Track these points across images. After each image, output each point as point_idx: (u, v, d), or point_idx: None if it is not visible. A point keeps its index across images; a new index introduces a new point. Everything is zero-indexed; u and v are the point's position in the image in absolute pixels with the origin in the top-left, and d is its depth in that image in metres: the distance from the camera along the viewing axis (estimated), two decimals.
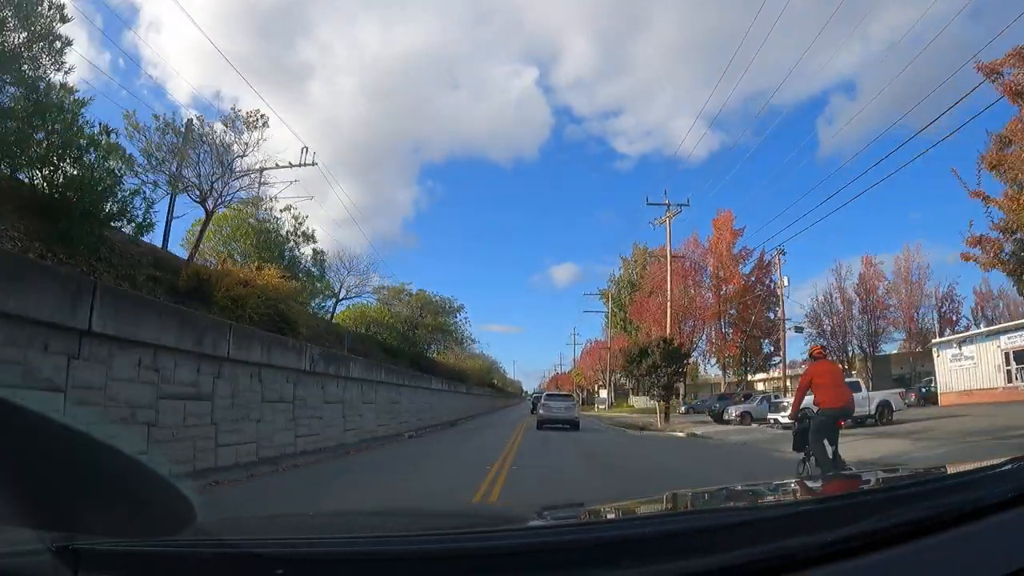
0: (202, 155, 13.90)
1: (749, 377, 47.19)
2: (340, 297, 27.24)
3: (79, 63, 21.84)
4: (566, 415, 21.68)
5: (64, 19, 10.01)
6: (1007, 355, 25.07)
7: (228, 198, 14.72)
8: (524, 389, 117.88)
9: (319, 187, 67.57)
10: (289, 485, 8.23)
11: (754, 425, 23.07)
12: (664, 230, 30.45)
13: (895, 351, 41.93)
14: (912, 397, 27.72)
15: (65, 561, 0.77)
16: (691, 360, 42.00)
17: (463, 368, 43.62)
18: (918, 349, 38.11)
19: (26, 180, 9.56)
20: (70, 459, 0.74)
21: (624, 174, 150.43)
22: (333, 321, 26.25)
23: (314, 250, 23.27)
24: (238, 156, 14.38)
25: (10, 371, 5.28)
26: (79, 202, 9.17)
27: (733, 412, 26.33)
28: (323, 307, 26.55)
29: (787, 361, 40.01)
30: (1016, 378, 24.58)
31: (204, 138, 14.08)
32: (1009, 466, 1.25)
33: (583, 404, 73.71)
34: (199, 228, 15.60)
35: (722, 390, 42.79)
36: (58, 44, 9.95)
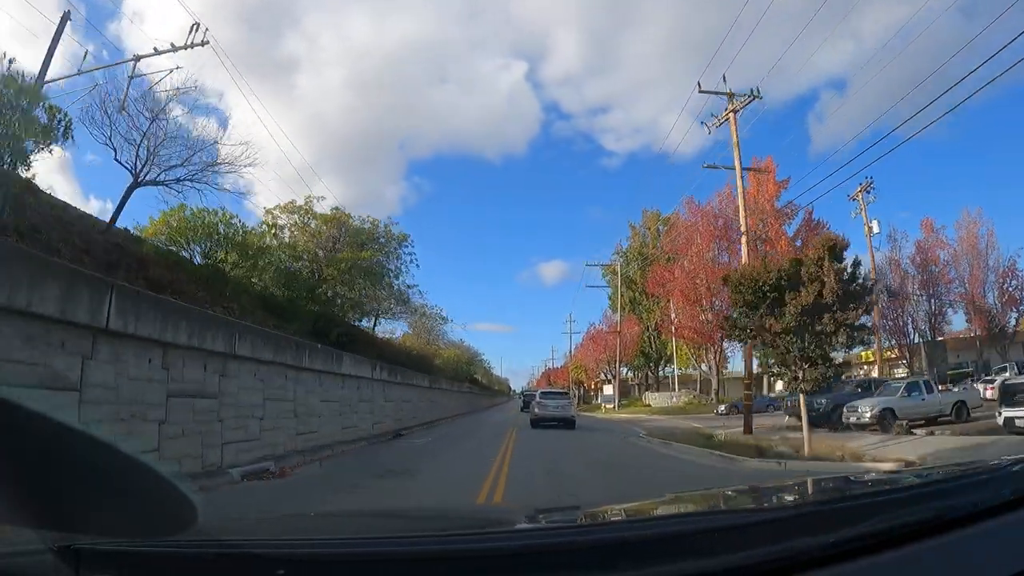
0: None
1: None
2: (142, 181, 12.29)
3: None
4: (561, 413, 21.11)
5: None
6: None
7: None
8: (512, 388, 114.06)
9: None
10: None
11: (944, 432, 14.41)
12: (718, 147, 24.03)
13: (948, 336, 34.13)
14: (988, 392, 20.06)
15: (66, 561, 0.78)
16: (721, 347, 37.24)
17: (427, 353, 32.70)
18: (977, 332, 31.30)
19: None
20: (70, 459, 0.74)
21: (613, 171, 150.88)
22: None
23: None
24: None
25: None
26: None
27: (867, 410, 15.78)
28: None
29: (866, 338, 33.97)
30: None
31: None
32: (1011, 468, 1.25)
33: (580, 403, 63.88)
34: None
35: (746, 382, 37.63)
36: None
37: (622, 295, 49.39)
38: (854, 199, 30.38)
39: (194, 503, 0.85)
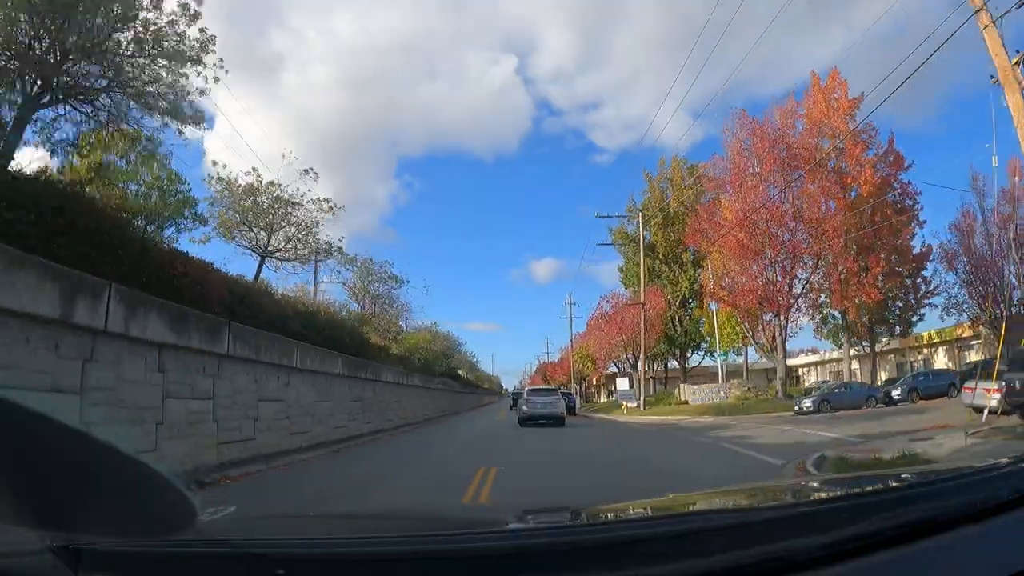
0: None
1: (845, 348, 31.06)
2: None
3: None
4: (551, 411, 20.70)
5: None
6: None
7: None
8: (504, 386, 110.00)
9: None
10: None
11: None
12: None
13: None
14: None
15: (65, 561, 0.78)
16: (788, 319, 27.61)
17: (350, 326, 19.92)
18: None
19: None
20: (70, 459, 0.74)
21: (604, 169, 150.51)
22: None
23: None
24: None
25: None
26: None
27: None
28: None
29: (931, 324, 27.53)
30: None
31: None
32: (1009, 467, 1.25)
33: (587, 401, 57.18)
34: None
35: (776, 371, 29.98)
36: None
37: (634, 265, 39.07)
38: None
39: (193, 503, 0.85)
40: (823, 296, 28.60)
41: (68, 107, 11.15)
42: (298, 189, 18.70)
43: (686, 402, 33.37)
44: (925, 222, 28.90)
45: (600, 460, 10.78)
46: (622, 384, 41.14)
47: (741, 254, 26.48)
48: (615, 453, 12.04)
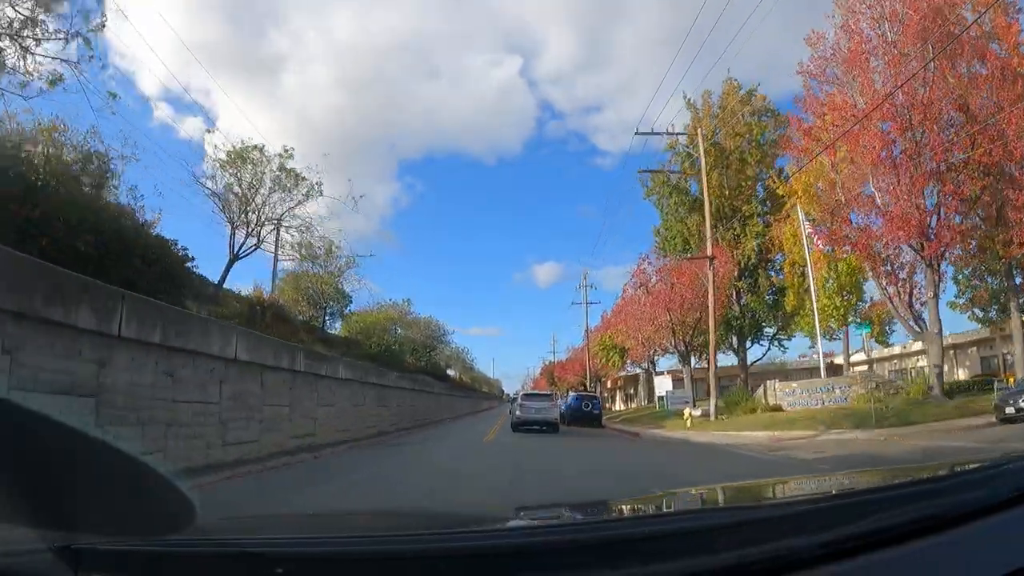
0: None
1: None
2: None
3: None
4: (544, 416, 20.75)
5: None
6: None
7: None
8: (504, 390, 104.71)
9: None
10: None
11: None
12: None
13: None
14: None
15: (65, 561, 0.78)
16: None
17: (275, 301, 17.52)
18: None
19: None
20: (70, 459, 0.74)
21: (606, 172, 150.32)
22: None
23: None
24: None
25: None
26: None
27: None
28: None
29: None
30: None
31: None
32: (1009, 466, 1.25)
33: (612, 411, 43.26)
34: None
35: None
36: None
37: (682, 218, 28.55)
38: None
39: (192, 502, 0.85)
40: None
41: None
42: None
43: (778, 407, 21.37)
44: None
45: None
46: (663, 384, 30.40)
47: (888, 162, 16.86)
48: None
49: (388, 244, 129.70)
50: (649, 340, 31.13)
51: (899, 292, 19.46)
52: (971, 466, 1.43)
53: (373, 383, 17.81)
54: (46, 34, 10.27)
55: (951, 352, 27.74)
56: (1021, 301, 20.53)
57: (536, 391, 29.33)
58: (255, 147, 17.88)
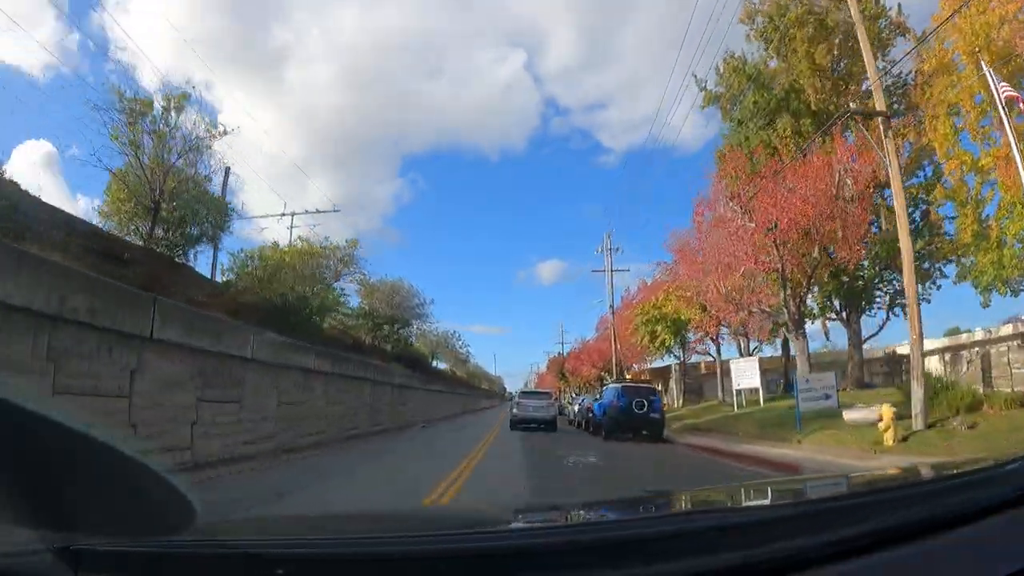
0: None
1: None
2: None
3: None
4: (541, 414, 20.78)
5: None
6: None
7: None
8: (507, 388, 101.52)
9: None
10: None
11: None
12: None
13: None
14: None
15: (65, 561, 0.77)
16: None
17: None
18: None
19: None
20: (70, 459, 0.74)
21: (609, 172, 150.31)
22: None
23: None
24: None
25: None
26: None
27: None
28: None
29: None
30: None
31: None
32: (1011, 466, 1.25)
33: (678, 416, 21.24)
34: None
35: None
36: None
37: (758, 126, 18.85)
38: None
39: (192, 503, 0.85)
40: None
41: None
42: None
43: None
44: None
45: None
46: (744, 369, 19.60)
47: None
48: None
49: (390, 241, 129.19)
50: (734, 296, 18.17)
51: None
52: (974, 467, 1.43)
53: (349, 376, 13.18)
54: None
55: None
56: None
57: (534, 389, 28.91)
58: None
